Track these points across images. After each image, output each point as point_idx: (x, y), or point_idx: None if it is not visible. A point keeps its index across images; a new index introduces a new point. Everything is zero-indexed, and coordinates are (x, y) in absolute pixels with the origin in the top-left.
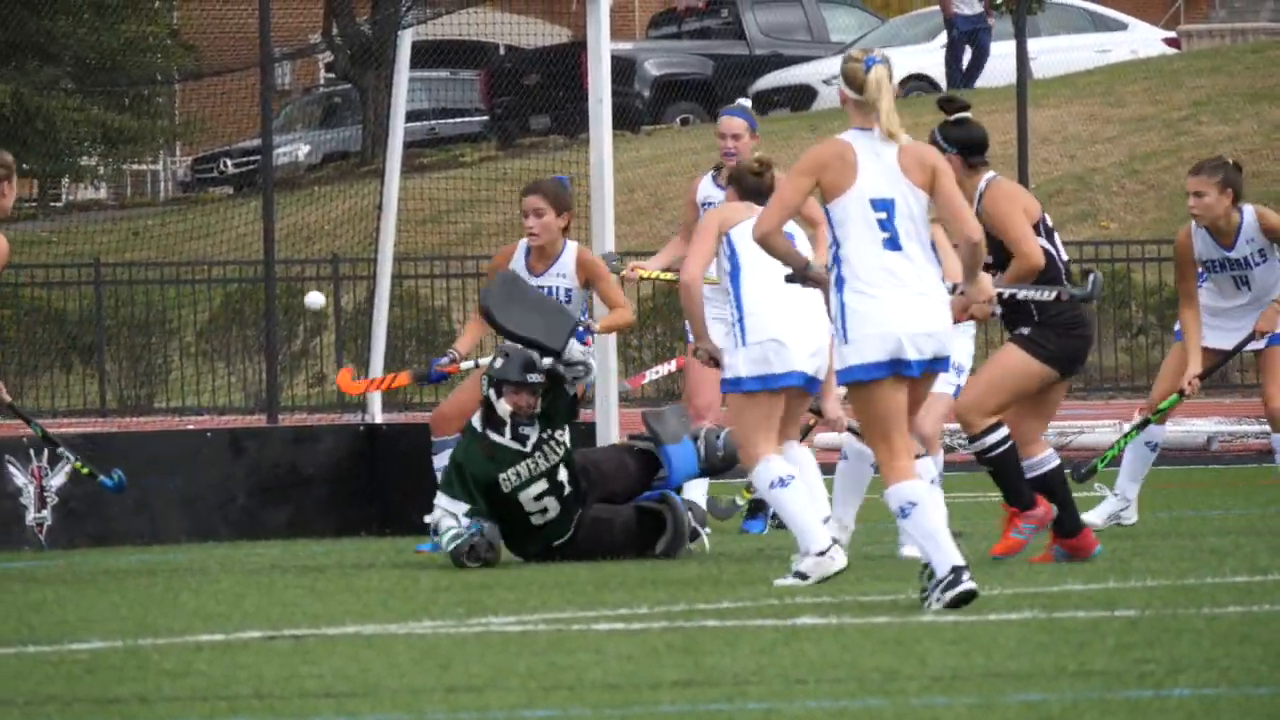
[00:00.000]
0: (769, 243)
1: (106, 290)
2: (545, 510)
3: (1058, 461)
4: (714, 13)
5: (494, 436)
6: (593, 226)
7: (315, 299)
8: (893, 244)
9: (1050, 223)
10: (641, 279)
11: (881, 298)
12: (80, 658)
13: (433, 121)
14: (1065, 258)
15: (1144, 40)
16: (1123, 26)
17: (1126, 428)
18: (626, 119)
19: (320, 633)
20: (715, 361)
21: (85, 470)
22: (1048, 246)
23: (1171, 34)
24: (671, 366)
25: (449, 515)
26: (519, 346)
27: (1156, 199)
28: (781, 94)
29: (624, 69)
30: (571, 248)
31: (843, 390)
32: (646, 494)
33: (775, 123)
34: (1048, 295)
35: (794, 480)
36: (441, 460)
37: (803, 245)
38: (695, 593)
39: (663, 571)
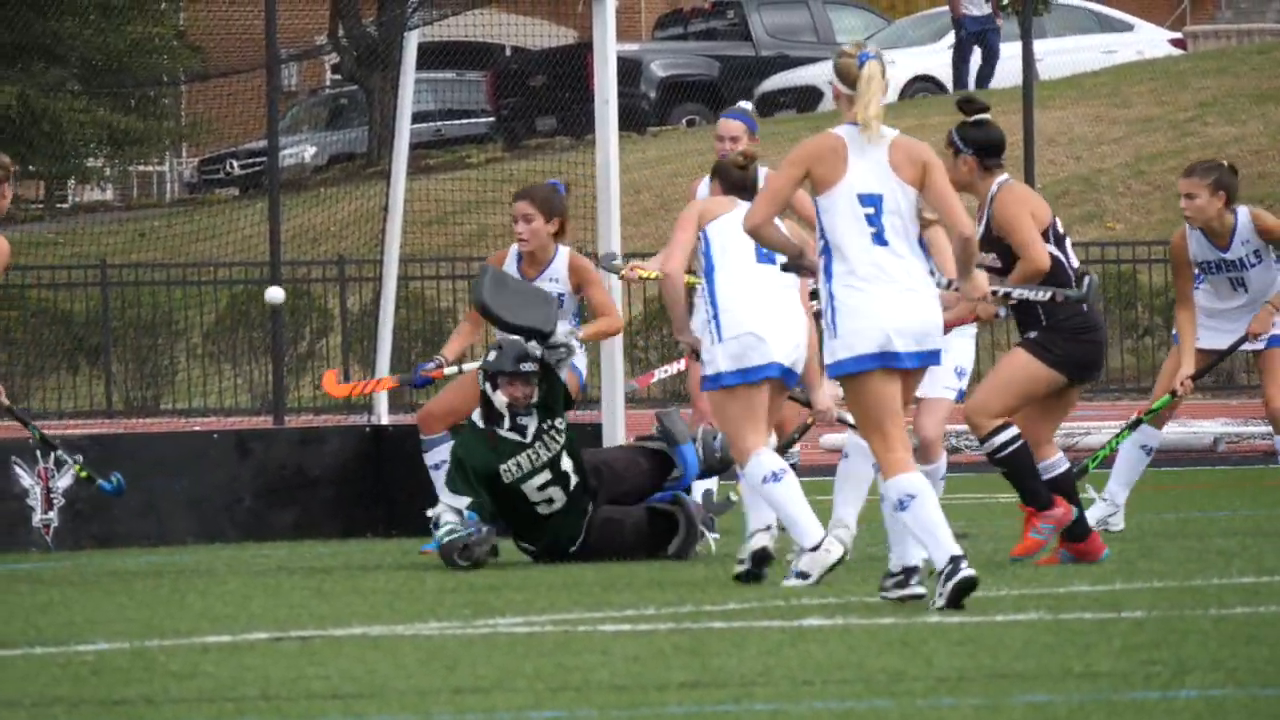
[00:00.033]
0: (760, 234)
1: (113, 291)
2: (551, 501)
3: (1068, 465)
4: (720, 14)
5: (481, 423)
6: (599, 227)
7: (275, 294)
8: (879, 239)
9: (1062, 229)
10: (641, 279)
11: (869, 291)
12: (86, 659)
13: (439, 123)
14: (1076, 264)
15: (1150, 41)
16: (1129, 27)
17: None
18: (632, 120)
19: (327, 634)
20: (696, 354)
21: (84, 474)
22: (1056, 252)
23: (1177, 35)
24: (681, 365)
25: (450, 510)
26: (511, 339)
27: (1162, 200)
28: (787, 95)
29: (630, 70)
30: (563, 252)
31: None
32: (658, 495)
33: (781, 124)
34: (1042, 296)
35: (786, 474)
36: (431, 458)
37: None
38: (702, 594)
39: (669, 573)
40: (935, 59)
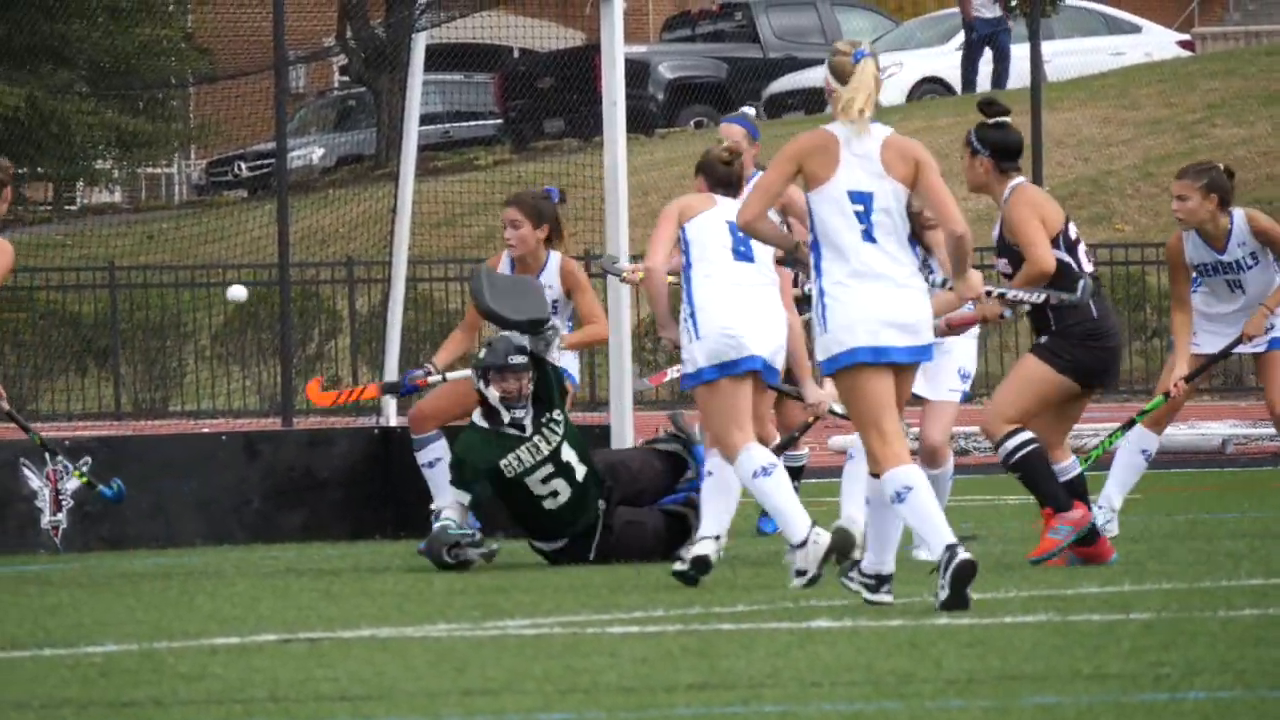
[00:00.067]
0: (753, 229)
1: (121, 293)
2: (556, 494)
3: (1080, 469)
4: (728, 16)
5: (487, 425)
6: (606, 229)
7: (237, 291)
8: (868, 236)
9: (1074, 234)
10: (642, 281)
11: (858, 287)
12: (95, 661)
13: (447, 125)
14: (1089, 270)
15: (1158, 43)
16: (1137, 29)
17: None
18: (640, 122)
19: (335, 636)
20: (678, 349)
21: (85, 480)
22: (1065, 257)
23: (1186, 36)
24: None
25: (455, 507)
26: (501, 334)
27: (1171, 202)
28: (795, 97)
29: (638, 72)
30: (555, 258)
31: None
32: (669, 497)
33: (789, 126)
34: (1037, 298)
35: (776, 468)
36: (423, 456)
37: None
38: (710, 596)
39: None
40: (943, 60)
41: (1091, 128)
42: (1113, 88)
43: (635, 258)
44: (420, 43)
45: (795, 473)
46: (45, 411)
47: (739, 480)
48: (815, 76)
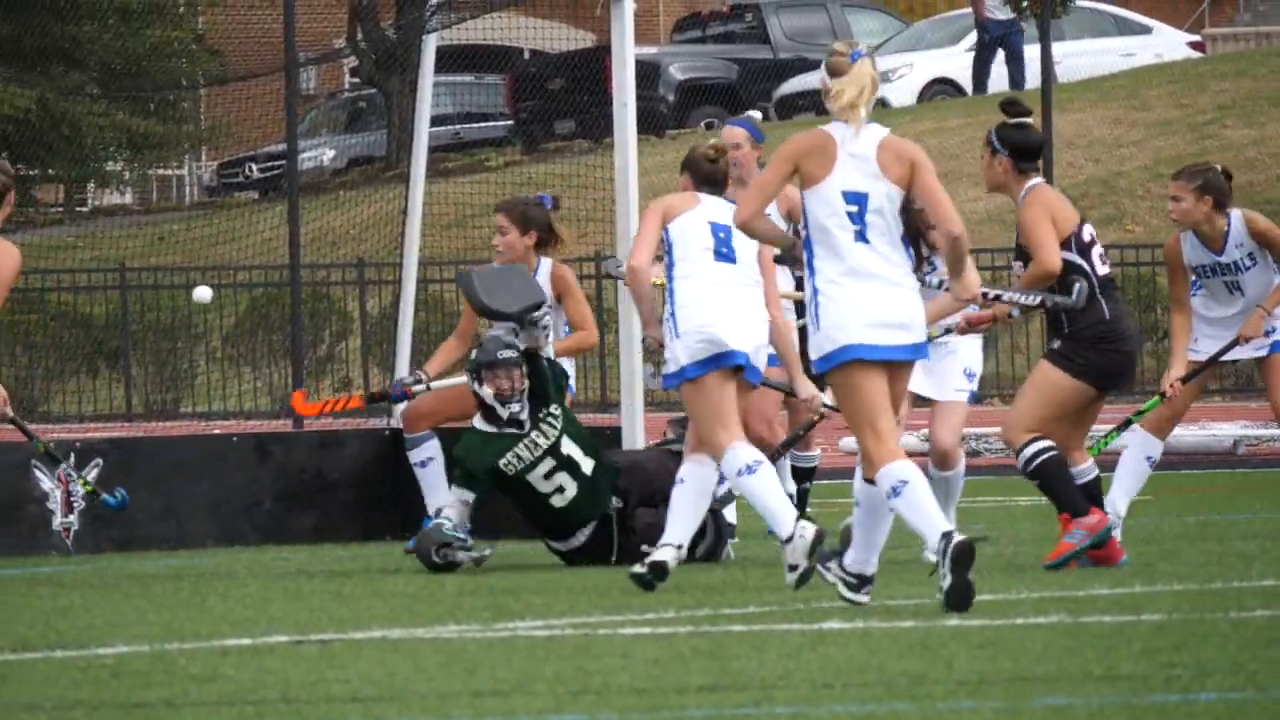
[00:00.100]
0: (750, 228)
1: (132, 295)
2: (562, 489)
3: (1096, 473)
4: (738, 17)
5: (489, 428)
6: (617, 231)
7: (202, 293)
8: (861, 237)
9: (1088, 237)
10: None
11: (851, 286)
12: (107, 662)
13: (457, 126)
14: (1102, 273)
15: (1169, 44)
16: (1147, 30)
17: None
18: (651, 123)
19: (347, 637)
20: (662, 349)
21: (88, 488)
22: (1077, 259)
23: (1196, 37)
24: None
25: (457, 506)
26: (492, 334)
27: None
28: (806, 98)
29: (648, 73)
30: (546, 264)
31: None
32: None
33: (800, 127)
34: (1032, 300)
35: (761, 465)
36: (415, 455)
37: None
38: (721, 597)
39: (689, 576)
40: (954, 61)
41: (1102, 129)
42: (1123, 89)
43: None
44: (431, 44)
45: (808, 473)
46: (56, 413)
47: (728, 479)
48: None
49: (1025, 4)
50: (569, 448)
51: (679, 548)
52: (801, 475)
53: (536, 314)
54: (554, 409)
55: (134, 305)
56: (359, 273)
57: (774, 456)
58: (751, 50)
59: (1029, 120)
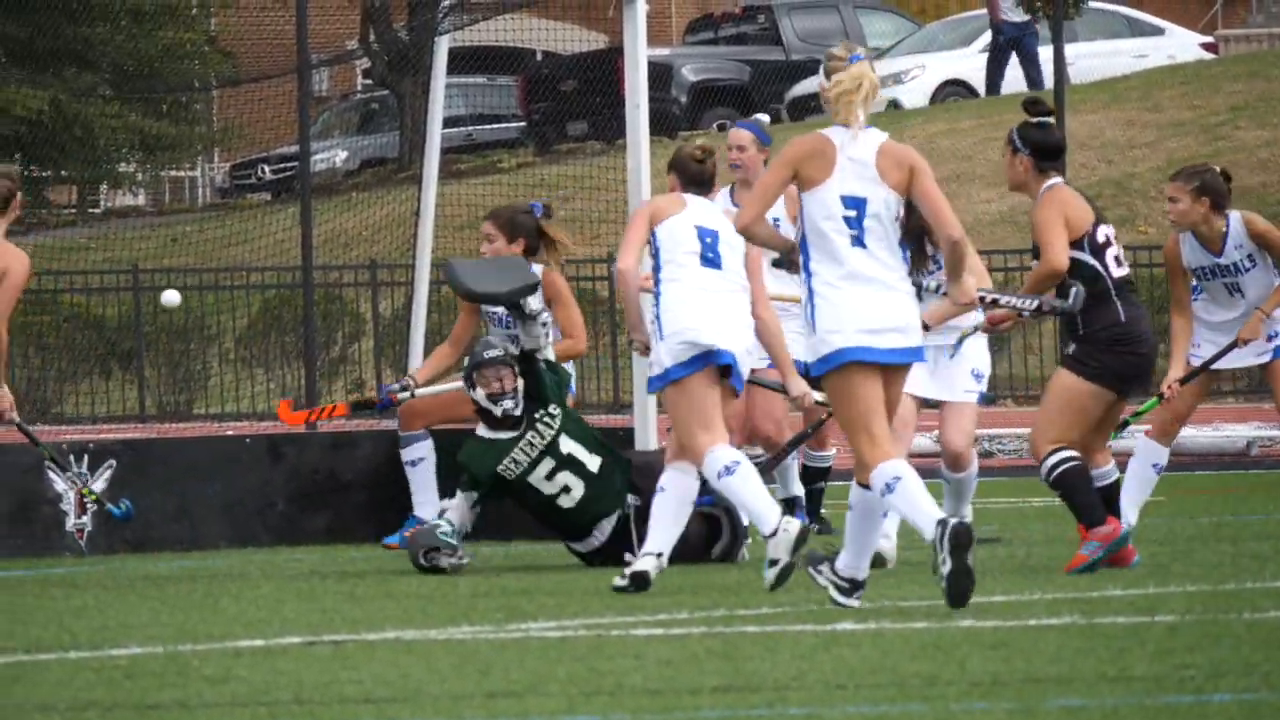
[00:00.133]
0: (751, 232)
1: (145, 296)
2: (568, 489)
3: (1117, 475)
4: (750, 18)
5: (487, 434)
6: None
7: (170, 296)
8: (858, 241)
9: (1104, 238)
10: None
11: (847, 289)
12: (120, 663)
13: (470, 127)
14: (1118, 275)
15: (1181, 45)
16: (1160, 31)
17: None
18: (663, 125)
19: (360, 638)
20: (648, 351)
21: (93, 497)
22: (1090, 260)
23: (1209, 39)
24: None
25: (459, 508)
26: (483, 338)
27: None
28: (818, 100)
29: (661, 75)
30: (536, 271)
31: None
32: (701, 499)
33: (812, 128)
34: (1029, 304)
35: (740, 465)
36: (408, 454)
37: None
38: (734, 598)
39: (702, 577)
40: (966, 63)
41: (1115, 130)
42: (1136, 90)
43: None
44: (443, 45)
45: (822, 473)
46: (70, 415)
47: (709, 481)
48: None
49: (1039, 5)
50: (569, 446)
51: (660, 556)
52: (815, 475)
53: (536, 307)
54: (552, 409)
55: (147, 306)
56: (371, 274)
57: (779, 456)
58: (764, 52)
59: (1051, 120)
